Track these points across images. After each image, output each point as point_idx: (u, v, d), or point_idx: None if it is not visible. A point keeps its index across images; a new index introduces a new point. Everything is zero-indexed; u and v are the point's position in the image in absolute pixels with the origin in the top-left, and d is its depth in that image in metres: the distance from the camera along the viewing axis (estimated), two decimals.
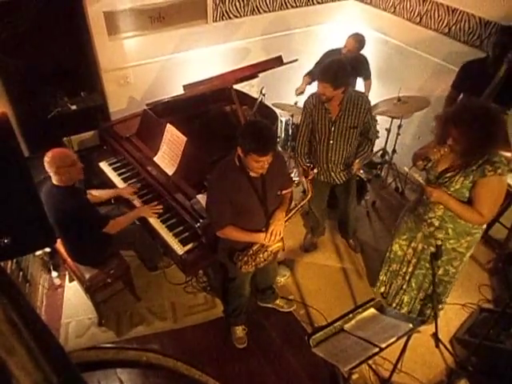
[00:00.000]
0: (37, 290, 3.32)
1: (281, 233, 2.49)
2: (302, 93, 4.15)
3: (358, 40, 3.77)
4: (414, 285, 2.89)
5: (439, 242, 2.43)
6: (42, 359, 0.65)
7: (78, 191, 2.83)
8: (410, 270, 2.86)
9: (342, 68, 2.71)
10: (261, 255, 2.55)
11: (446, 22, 3.80)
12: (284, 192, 2.54)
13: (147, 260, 3.46)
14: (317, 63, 4.15)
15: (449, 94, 3.46)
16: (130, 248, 3.29)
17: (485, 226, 2.56)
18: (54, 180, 2.69)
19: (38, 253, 3.28)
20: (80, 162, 2.75)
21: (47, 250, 3.24)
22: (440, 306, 2.92)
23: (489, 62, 3.15)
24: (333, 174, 3.17)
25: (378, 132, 3.36)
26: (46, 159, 2.65)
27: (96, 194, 3.11)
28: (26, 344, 0.64)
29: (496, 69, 3.05)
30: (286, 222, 2.54)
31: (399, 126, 3.94)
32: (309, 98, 3.02)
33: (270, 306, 3.26)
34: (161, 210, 2.98)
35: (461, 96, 3.39)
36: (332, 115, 2.91)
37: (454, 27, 3.74)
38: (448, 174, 2.38)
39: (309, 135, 3.10)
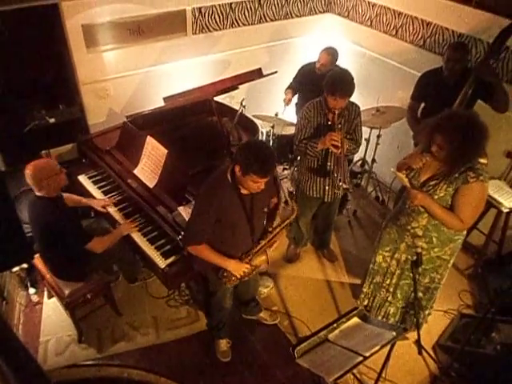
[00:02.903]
0: (14, 307, 3.22)
1: (254, 267, 2.53)
2: (290, 100, 4.18)
3: (331, 53, 3.79)
4: (399, 295, 2.90)
5: (419, 250, 2.45)
6: (16, 381, 0.63)
7: (61, 203, 2.75)
8: (393, 281, 2.87)
9: (351, 77, 2.82)
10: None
11: (420, 34, 3.90)
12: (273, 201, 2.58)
13: (127, 272, 3.40)
14: (294, 78, 4.20)
15: (409, 105, 3.54)
16: (111, 267, 3.22)
17: (465, 232, 2.60)
18: (38, 192, 2.60)
19: (15, 269, 3.18)
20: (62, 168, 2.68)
21: (24, 266, 3.17)
22: (427, 312, 2.95)
23: (444, 74, 3.24)
24: (327, 188, 3.13)
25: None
26: (28, 172, 2.53)
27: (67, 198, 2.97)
28: None
29: (450, 79, 3.20)
30: (272, 239, 2.51)
31: (378, 136, 4.00)
32: (308, 106, 2.98)
33: (254, 318, 3.24)
34: (137, 225, 2.94)
35: (422, 105, 3.48)
36: (331, 123, 2.91)
37: (428, 39, 3.85)
38: (432, 182, 2.41)
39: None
